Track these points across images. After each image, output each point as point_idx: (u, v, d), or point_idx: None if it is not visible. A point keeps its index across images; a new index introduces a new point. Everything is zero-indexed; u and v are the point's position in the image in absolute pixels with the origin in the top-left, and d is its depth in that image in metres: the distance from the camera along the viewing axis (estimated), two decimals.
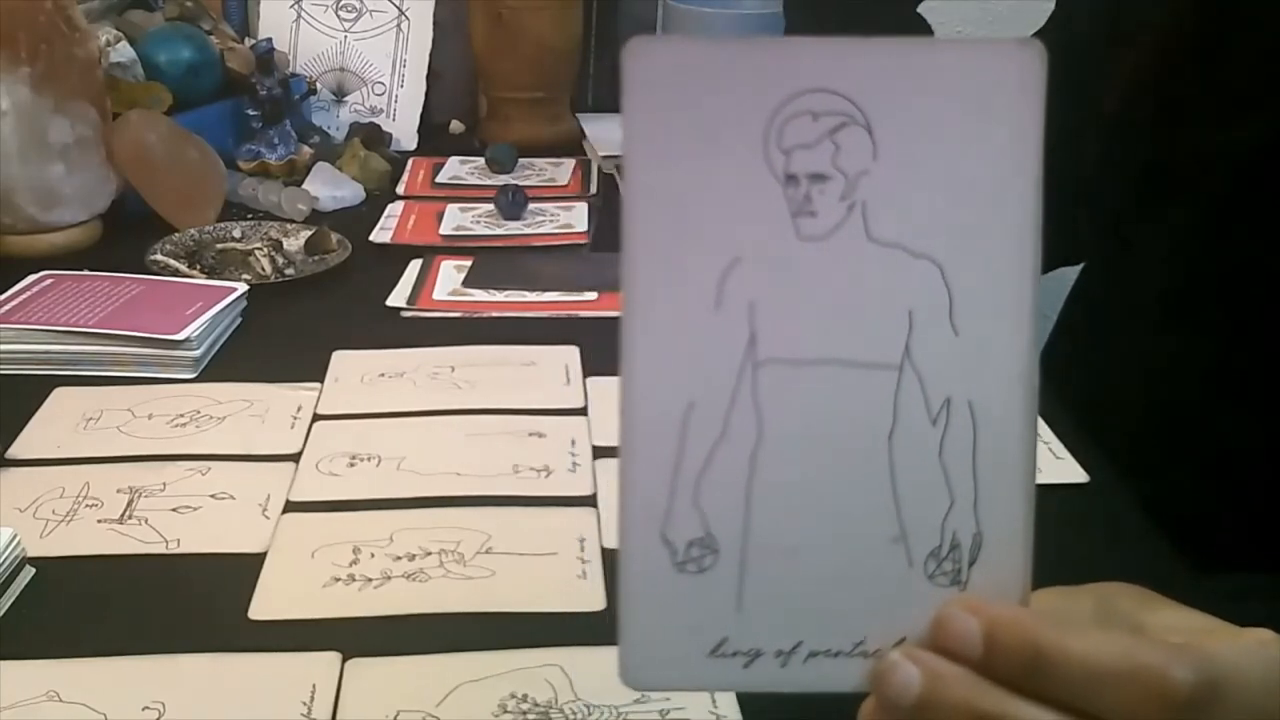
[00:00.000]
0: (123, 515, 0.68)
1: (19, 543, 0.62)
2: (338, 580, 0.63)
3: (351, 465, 0.73)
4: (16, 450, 0.74)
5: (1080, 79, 0.76)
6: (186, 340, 0.83)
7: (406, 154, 1.32)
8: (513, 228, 1.11)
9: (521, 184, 1.16)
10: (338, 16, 1.38)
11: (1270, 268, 0.71)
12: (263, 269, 0.99)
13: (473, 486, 0.71)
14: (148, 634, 0.58)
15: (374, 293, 0.96)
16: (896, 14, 0.99)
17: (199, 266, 1.00)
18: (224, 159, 1.16)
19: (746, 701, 0.54)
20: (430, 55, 1.38)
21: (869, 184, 0.37)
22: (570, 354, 0.87)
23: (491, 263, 1.03)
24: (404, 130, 1.36)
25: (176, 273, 0.98)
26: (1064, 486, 0.71)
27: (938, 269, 0.37)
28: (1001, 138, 0.37)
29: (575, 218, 1.13)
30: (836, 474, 0.38)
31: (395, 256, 1.04)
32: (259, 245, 1.01)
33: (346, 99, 1.37)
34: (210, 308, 0.87)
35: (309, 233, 1.05)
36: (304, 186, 1.16)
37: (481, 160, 1.27)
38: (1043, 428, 0.74)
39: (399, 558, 0.64)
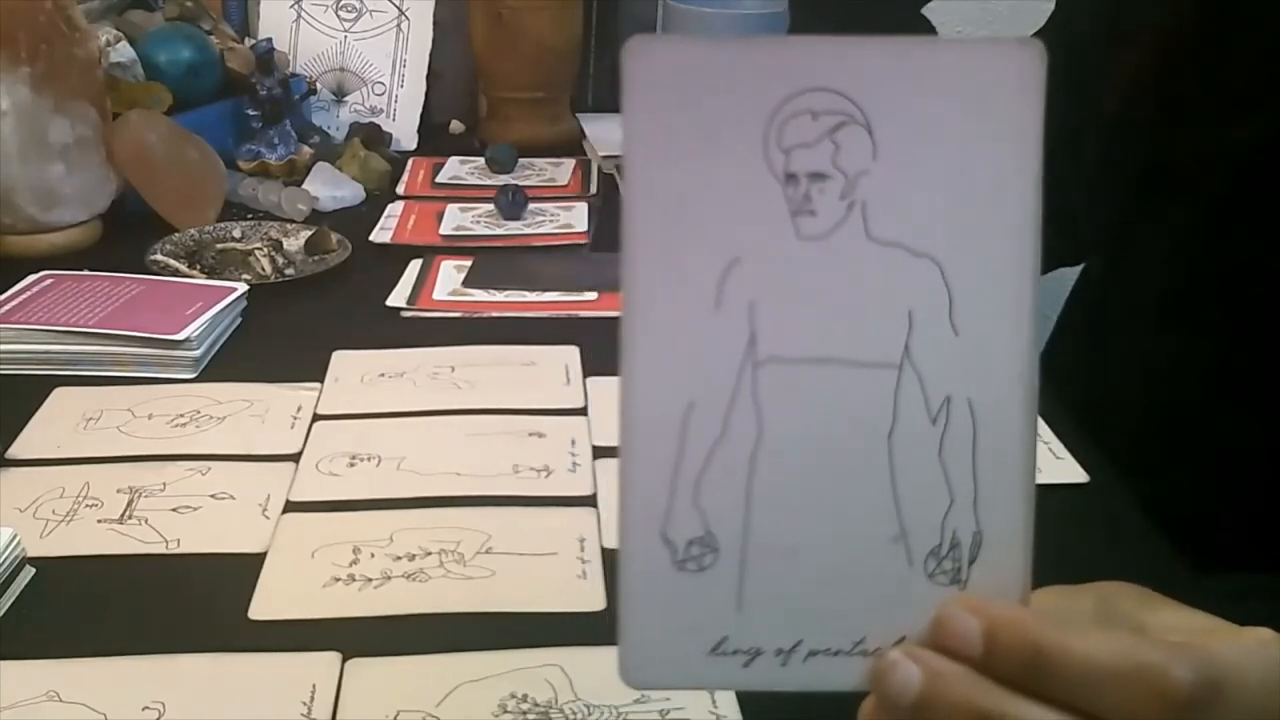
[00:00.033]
0: (123, 515, 0.68)
1: (19, 543, 0.62)
2: (338, 580, 0.63)
3: (351, 465, 0.73)
4: (16, 450, 0.74)
5: (1080, 79, 0.76)
6: (186, 340, 0.83)
7: (406, 154, 1.32)
8: (513, 228, 1.11)
9: (521, 184, 1.16)
10: (338, 16, 1.38)
11: (1270, 268, 0.71)
12: (263, 269, 0.99)
13: (473, 486, 0.71)
14: (148, 634, 0.58)
15: (374, 293, 0.96)
16: (900, 14, 0.99)
17: (199, 266, 1.00)
18: (224, 159, 1.16)
19: (746, 701, 0.54)
20: (430, 55, 1.38)
21: (869, 183, 0.37)
22: (570, 354, 0.87)
23: (491, 263, 1.03)
24: (404, 130, 1.36)
25: (176, 273, 0.98)
26: (1064, 486, 0.71)
27: (938, 268, 0.37)
28: (1001, 138, 0.37)
29: (575, 218, 1.13)
30: (836, 473, 0.38)
31: (395, 256, 1.04)
32: (259, 245, 1.01)
33: (346, 99, 1.37)
34: (210, 308, 0.87)
35: (309, 233, 1.05)
36: (304, 186, 1.16)
37: (481, 160, 1.27)
38: (1043, 428, 0.74)
39: (399, 558, 0.64)
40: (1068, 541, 0.48)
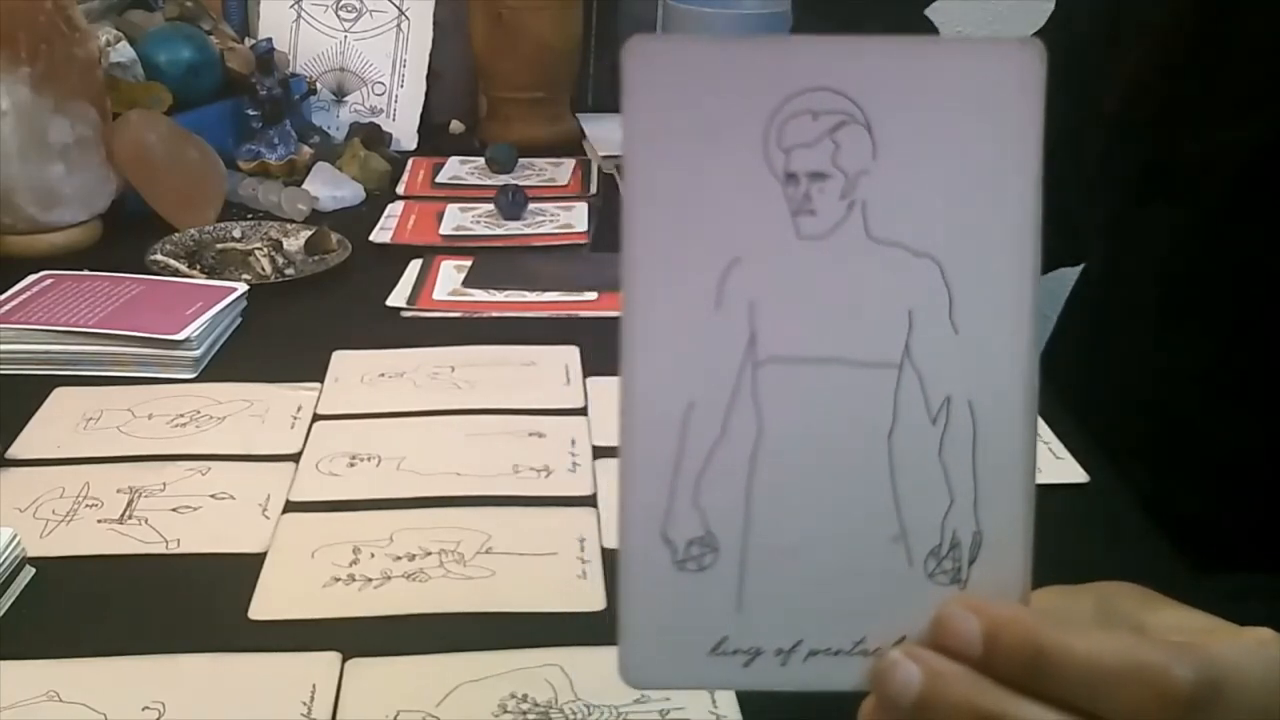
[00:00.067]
0: (123, 515, 0.68)
1: (19, 543, 0.62)
2: (338, 580, 0.63)
3: (351, 465, 0.73)
4: (16, 450, 0.74)
5: (1080, 79, 0.76)
6: (186, 340, 0.83)
7: (406, 154, 1.32)
8: (513, 228, 1.11)
9: (521, 184, 1.16)
10: (338, 16, 1.38)
11: (1270, 268, 0.71)
12: (263, 269, 0.99)
13: (473, 486, 0.71)
14: (148, 634, 0.58)
15: (374, 293, 0.96)
16: (901, 14, 0.99)
17: (199, 266, 1.00)
18: (224, 159, 1.16)
19: (746, 701, 0.54)
20: (430, 55, 1.38)
21: (869, 183, 0.37)
22: (570, 354, 0.87)
23: (491, 263, 1.03)
24: (404, 130, 1.36)
25: (176, 273, 0.98)
26: (1064, 486, 0.71)
27: (938, 268, 0.37)
28: (1001, 137, 0.37)
29: (575, 218, 1.13)
30: (836, 473, 0.38)
31: (395, 256, 1.04)
32: (259, 245, 1.01)
33: (346, 99, 1.37)
34: (210, 308, 0.87)
35: (309, 233, 1.05)
36: (304, 186, 1.16)
37: (481, 160, 1.27)
38: (1043, 428, 0.74)
39: (399, 558, 0.64)
40: (1068, 541, 0.48)
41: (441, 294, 0.97)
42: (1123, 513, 0.70)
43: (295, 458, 0.74)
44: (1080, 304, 0.89)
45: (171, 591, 0.62)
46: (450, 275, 1.00)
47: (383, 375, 0.84)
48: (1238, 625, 0.38)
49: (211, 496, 0.70)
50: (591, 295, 0.96)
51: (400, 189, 1.22)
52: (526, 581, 0.63)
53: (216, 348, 0.87)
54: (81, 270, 0.95)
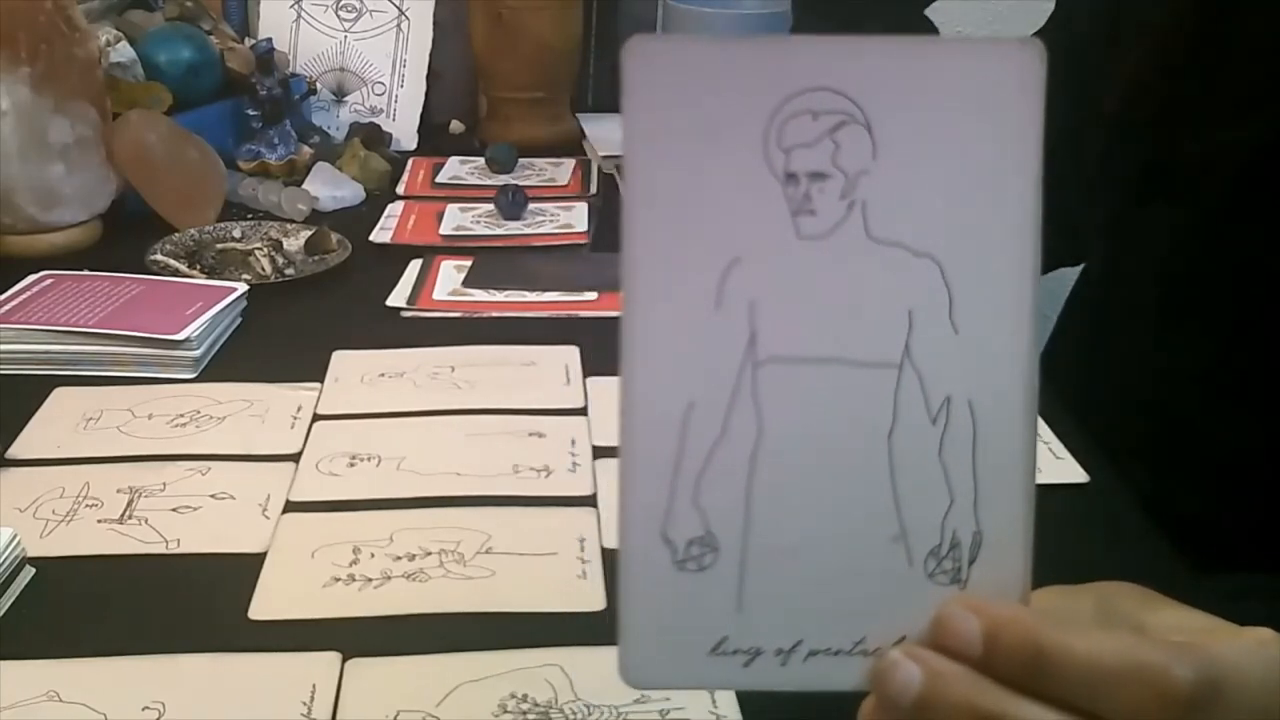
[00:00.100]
0: (123, 515, 0.68)
1: (19, 543, 0.62)
2: (338, 580, 0.63)
3: (351, 465, 0.73)
4: (16, 450, 0.74)
5: (1080, 79, 0.76)
6: (186, 340, 0.83)
7: (406, 154, 1.32)
8: (513, 228, 1.11)
9: (521, 184, 1.16)
10: (338, 16, 1.38)
11: (1270, 268, 0.71)
12: (263, 269, 0.99)
13: (473, 486, 0.71)
14: (148, 634, 0.58)
15: (374, 293, 0.96)
16: (902, 15, 0.99)
17: (199, 266, 1.00)
18: (224, 159, 1.16)
19: (746, 701, 0.54)
20: (430, 55, 1.38)
21: (869, 183, 0.37)
22: (570, 354, 0.87)
23: (491, 263, 1.03)
24: (404, 130, 1.36)
25: (176, 273, 0.98)
26: (1064, 486, 0.71)
27: (938, 267, 0.37)
28: (1001, 137, 0.37)
29: (575, 218, 1.13)
30: (836, 473, 0.38)
31: (395, 256, 1.04)
32: (259, 245, 1.01)
33: (346, 99, 1.37)
34: (210, 308, 0.87)
35: (309, 233, 1.05)
36: (304, 186, 1.16)
37: (481, 160, 1.27)
38: (1043, 428, 0.74)
39: (399, 558, 0.64)
40: (1068, 541, 0.48)
41: (441, 294, 0.97)
42: (1123, 513, 0.70)
43: (295, 458, 0.74)
44: (1080, 304, 0.89)
45: (171, 591, 0.62)
46: (450, 275, 1.00)
47: (383, 375, 0.84)
48: (1238, 625, 0.38)
49: (211, 496, 0.70)
50: (591, 295, 0.96)
51: (400, 189, 1.22)
52: (526, 581, 0.63)
53: (216, 348, 0.87)
54: (81, 270, 0.95)
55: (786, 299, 0.37)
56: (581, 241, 1.08)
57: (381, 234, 1.09)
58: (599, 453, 0.74)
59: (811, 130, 0.36)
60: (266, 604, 0.61)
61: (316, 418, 0.78)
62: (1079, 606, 0.39)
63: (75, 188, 1.03)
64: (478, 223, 1.12)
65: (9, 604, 0.60)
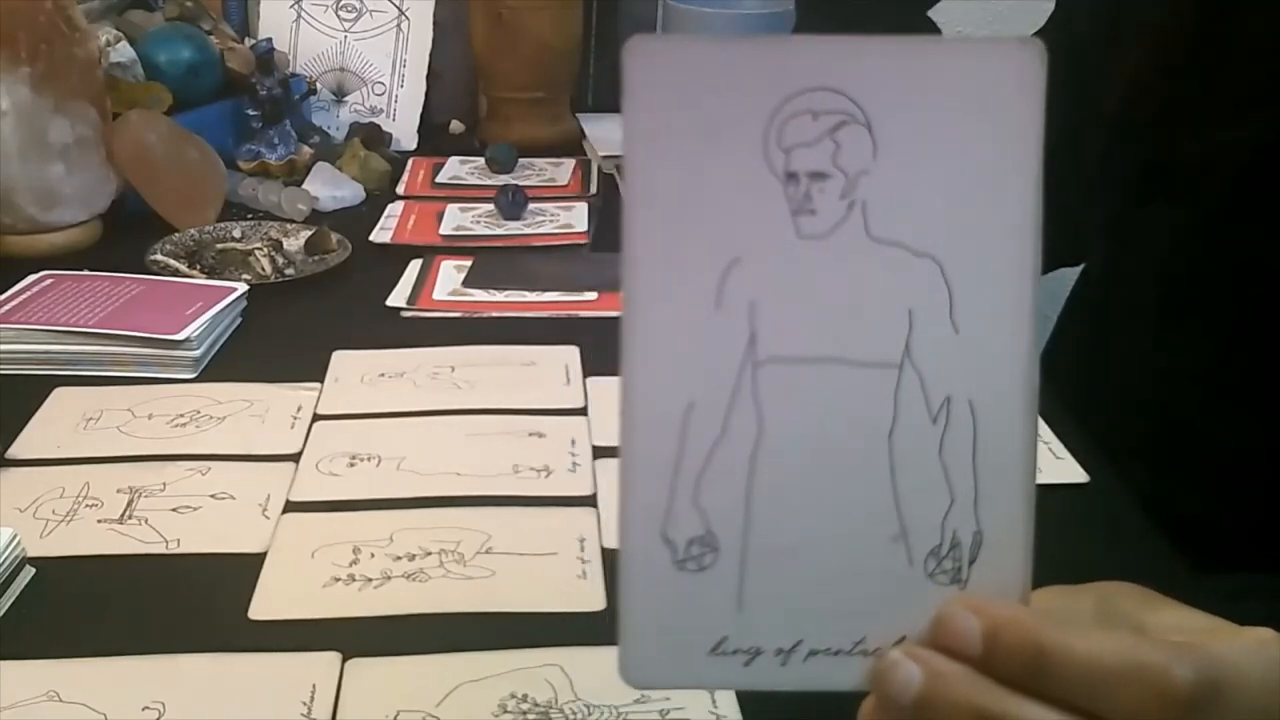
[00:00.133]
0: (123, 515, 0.68)
1: (19, 543, 0.62)
2: (338, 580, 0.63)
3: (351, 465, 0.73)
4: (16, 450, 0.74)
5: (1080, 79, 0.76)
6: (186, 340, 0.83)
7: (406, 154, 1.32)
8: (513, 228, 1.11)
9: (521, 184, 1.16)
10: (338, 16, 1.38)
11: (1270, 268, 0.71)
12: (263, 269, 0.99)
13: (473, 486, 0.71)
14: (148, 634, 0.58)
15: (374, 293, 0.96)
16: (904, 15, 0.99)
17: (199, 266, 1.00)
18: (224, 159, 1.16)
19: (746, 701, 0.54)
20: (430, 55, 1.38)
21: (869, 182, 0.37)
22: (570, 354, 0.87)
23: (491, 263, 1.03)
24: (404, 130, 1.36)
25: (176, 273, 0.98)
26: (1064, 486, 0.71)
27: (938, 267, 0.37)
28: (1001, 137, 0.37)
29: (575, 218, 1.13)
30: (837, 473, 0.38)
31: (395, 256, 1.04)
32: (259, 245, 1.01)
33: (346, 99, 1.37)
34: (210, 308, 0.87)
35: (309, 233, 1.05)
36: (304, 186, 1.16)
37: (481, 160, 1.27)
38: (1043, 428, 0.74)
39: (399, 558, 0.64)
40: (1068, 541, 0.48)
41: (441, 294, 0.97)
42: (1123, 513, 0.70)
43: (295, 458, 0.74)
44: (1080, 304, 0.89)
45: (171, 591, 0.62)
46: (450, 275, 1.00)
47: (383, 375, 0.84)
48: (1238, 625, 0.38)
49: (211, 496, 0.70)
50: (591, 295, 0.96)
51: (400, 189, 1.22)
52: (526, 581, 0.63)
53: (216, 348, 0.87)
54: (81, 270, 0.95)
55: (787, 299, 0.37)
56: (581, 241, 1.08)
57: (381, 234, 1.09)
58: (599, 453, 0.74)
59: (812, 130, 0.36)
60: (266, 604, 0.61)
61: (316, 418, 0.78)
62: (1079, 606, 0.39)
63: (75, 188, 1.03)
64: (478, 223, 1.12)
65: (9, 604, 0.60)
